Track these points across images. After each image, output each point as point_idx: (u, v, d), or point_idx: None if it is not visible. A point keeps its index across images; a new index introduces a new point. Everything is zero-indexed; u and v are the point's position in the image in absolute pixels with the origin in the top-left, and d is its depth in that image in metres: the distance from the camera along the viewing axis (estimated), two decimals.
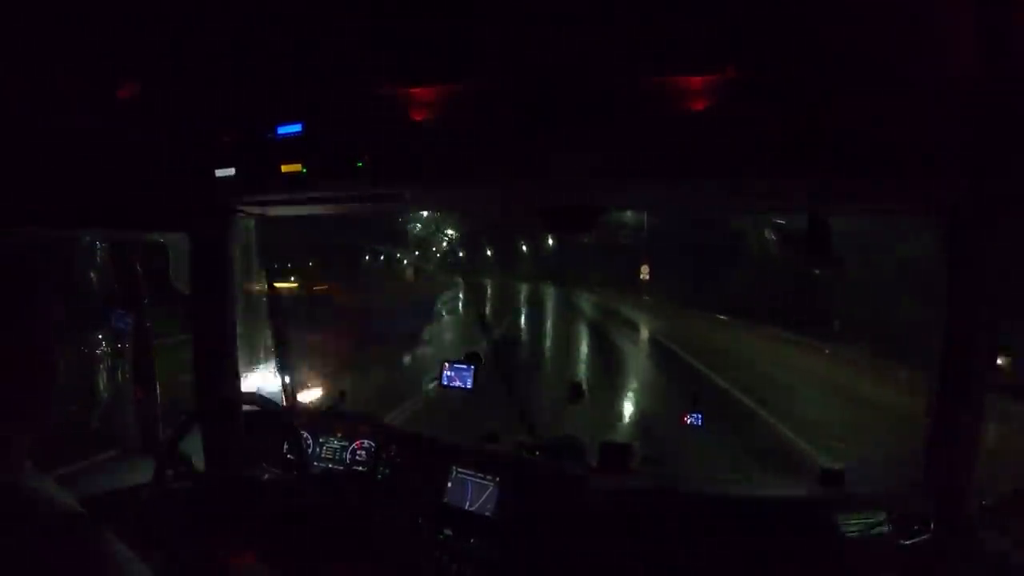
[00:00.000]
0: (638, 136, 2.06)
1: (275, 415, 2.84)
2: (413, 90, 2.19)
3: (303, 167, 2.38)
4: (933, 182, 2.10)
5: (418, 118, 2.23)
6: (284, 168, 2.40)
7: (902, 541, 2.36)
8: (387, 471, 2.97)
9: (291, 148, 2.37)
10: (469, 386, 3.15)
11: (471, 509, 2.75)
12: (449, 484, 2.82)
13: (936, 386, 2.41)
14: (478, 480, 2.79)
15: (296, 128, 2.34)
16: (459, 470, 2.84)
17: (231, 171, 2.47)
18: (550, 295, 36.16)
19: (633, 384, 13.06)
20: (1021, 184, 1.96)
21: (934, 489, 2.43)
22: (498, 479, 2.76)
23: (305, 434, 3.11)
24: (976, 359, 2.32)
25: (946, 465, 2.41)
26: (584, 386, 3.92)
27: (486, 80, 2.13)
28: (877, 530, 2.43)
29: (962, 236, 2.28)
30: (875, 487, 2.72)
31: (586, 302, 33.03)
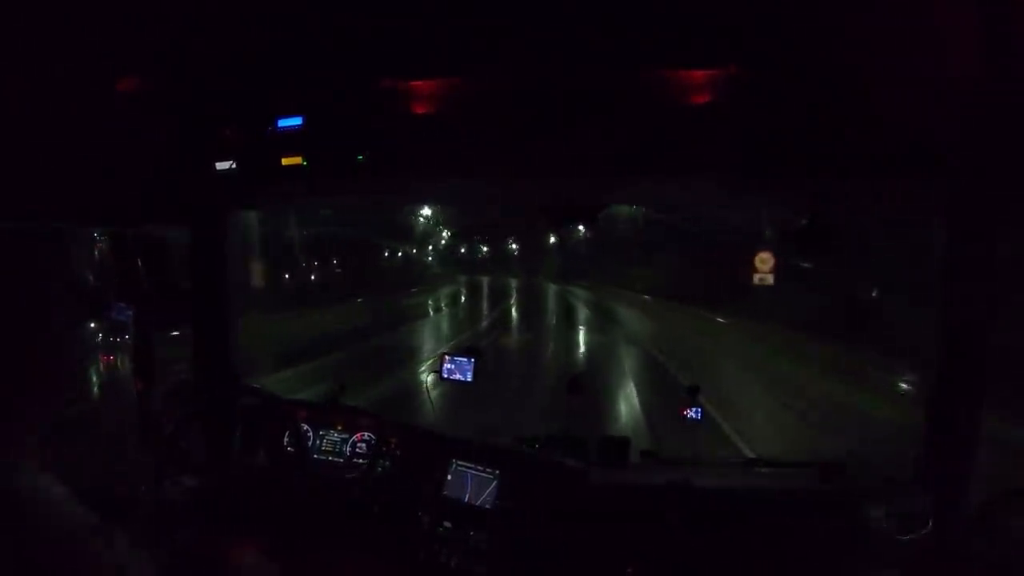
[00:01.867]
0: (639, 129, 2.06)
1: (275, 408, 2.85)
2: (414, 83, 2.19)
3: (304, 160, 2.38)
4: (933, 182, 2.10)
5: (419, 111, 2.23)
6: (285, 161, 2.40)
7: (900, 537, 2.37)
8: (387, 464, 2.98)
9: (292, 141, 2.37)
10: (469, 379, 3.16)
11: (470, 502, 2.76)
12: (449, 477, 2.83)
13: (934, 383, 2.42)
14: (478, 473, 2.80)
15: (297, 121, 2.34)
16: (459, 463, 2.85)
17: (231, 164, 2.46)
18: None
19: None
20: (1021, 184, 1.97)
21: (932, 486, 2.44)
22: (497, 472, 2.77)
23: (305, 427, 3.11)
24: (975, 358, 2.32)
25: (944, 462, 2.42)
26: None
27: (487, 74, 2.13)
28: (876, 525, 2.44)
29: (962, 234, 2.28)
30: (874, 482, 2.73)
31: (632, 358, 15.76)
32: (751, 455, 6.16)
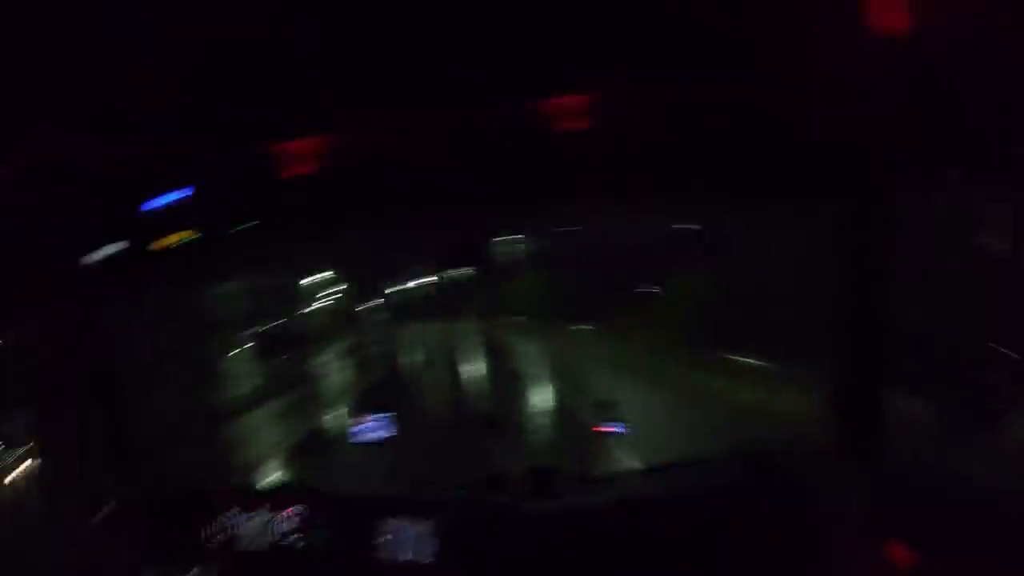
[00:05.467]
0: (524, 162, 2.13)
1: (195, 498, 2.69)
2: (296, 144, 2.18)
3: (194, 233, 2.31)
4: (815, 184, 2.26)
5: (305, 171, 2.22)
6: (166, 240, 2.32)
7: (842, 515, 2.48)
8: (320, 535, 2.86)
9: (176, 216, 2.29)
10: (385, 436, 3.09)
11: (408, 560, 2.69)
12: (384, 538, 2.75)
13: (841, 374, 2.61)
14: (412, 529, 2.74)
15: (182, 194, 2.27)
16: (391, 522, 2.78)
17: (103, 253, 2.35)
18: None
19: None
20: (900, 188, 2.16)
21: (858, 462, 2.58)
22: (431, 525, 2.72)
23: (229, 514, 2.94)
24: (875, 346, 2.50)
25: (866, 441, 2.57)
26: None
27: (369, 125, 2.14)
28: (817, 507, 2.53)
29: (845, 232, 2.46)
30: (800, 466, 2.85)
31: None
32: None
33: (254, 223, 2.31)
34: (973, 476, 2.45)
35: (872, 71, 1.87)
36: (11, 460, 2.63)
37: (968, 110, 2.01)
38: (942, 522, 2.26)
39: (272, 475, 3.31)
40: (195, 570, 2.56)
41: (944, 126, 2.06)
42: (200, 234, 2.34)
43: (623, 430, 3.12)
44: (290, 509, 2.92)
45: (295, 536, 2.91)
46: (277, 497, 2.99)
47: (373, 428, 3.12)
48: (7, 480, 2.65)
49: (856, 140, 2.06)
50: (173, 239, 2.34)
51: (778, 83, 1.93)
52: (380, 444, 3.09)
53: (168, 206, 2.29)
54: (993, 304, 2.93)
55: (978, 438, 2.68)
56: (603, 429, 3.13)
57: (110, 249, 2.40)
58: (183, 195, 2.30)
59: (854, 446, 2.61)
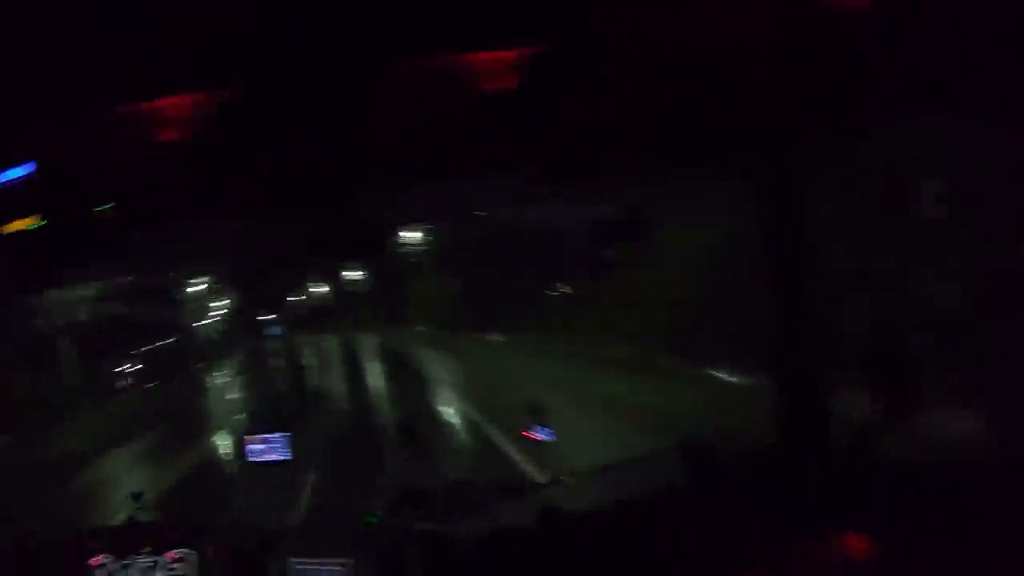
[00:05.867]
0: (434, 126, 1.87)
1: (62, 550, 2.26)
2: (160, 104, 1.81)
3: (41, 219, 1.88)
4: (734, 155, 2.18)
5: (170, 137, 1.85)
6: (15, 226, 1.89)
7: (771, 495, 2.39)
8: None
9: (21, 198, 1.86)
10: (288, 456, 2.73)
11: None
12: None
13: (780, 358, 2.51)
14: (324, 569, 2.39)
15: (25, 170, 1.83)
16: (298, 563, 2.41)
17: None
18: None
19: None
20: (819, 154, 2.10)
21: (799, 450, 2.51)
22: (351, 563, 2.38)
23: (104, 561, 2.50)
24: (810, 327, 2.44)
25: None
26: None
27: (248, 79, 1.82)
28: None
29: (772, 204, 2.40)
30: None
31: None
32: None
33: (111, 205, 1.90)
34: (908, 458, 2.43)
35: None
36: None
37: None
38: (888, 505, 2.19)
39: (153, 514, 2.86)
40: None
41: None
42: (48, 220, 1.90)
43: (551, 437, 2.86)
44: (172, 552, 2.51)
45: None
46: (158, 537, 2.58)
47: (270, 447, 2.74)
48: None
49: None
50: (16, 226, 1.90)
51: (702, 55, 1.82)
52: (278, 465, 2.72)
53: (8, 186, 1.85)
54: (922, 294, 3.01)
55: (909, 423, 2.68)
56: (531, 435, 2.87)
57: None
58: (25, 171, 1.85)
59: (799, 437, 2.50)
